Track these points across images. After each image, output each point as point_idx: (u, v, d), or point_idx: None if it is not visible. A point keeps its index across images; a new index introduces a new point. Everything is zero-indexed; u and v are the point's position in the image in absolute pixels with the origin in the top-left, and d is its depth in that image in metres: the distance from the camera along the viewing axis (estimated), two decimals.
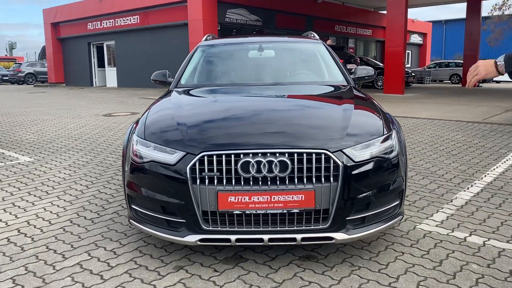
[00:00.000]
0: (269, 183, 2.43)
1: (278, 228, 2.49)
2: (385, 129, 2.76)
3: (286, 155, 2.45)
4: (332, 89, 3.63)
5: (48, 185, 4.48)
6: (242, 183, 2.42)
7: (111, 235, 3.16)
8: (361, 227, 2.59)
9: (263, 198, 2.42)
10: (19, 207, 3.81)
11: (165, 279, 2.51)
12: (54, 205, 3.86)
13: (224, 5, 18.73)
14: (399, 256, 2.76)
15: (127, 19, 21.26)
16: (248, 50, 4.28)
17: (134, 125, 3.03)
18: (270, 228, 2.49)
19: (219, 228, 2.49)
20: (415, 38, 35.06)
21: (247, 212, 2.44)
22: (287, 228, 2.49)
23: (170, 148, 2.58)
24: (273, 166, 2.41)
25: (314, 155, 2.45)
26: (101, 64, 24.83)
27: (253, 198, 2.42)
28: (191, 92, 3.63)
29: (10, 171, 5.11)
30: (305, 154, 2.45)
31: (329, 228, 2.50)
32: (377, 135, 2.68)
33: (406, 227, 3.24)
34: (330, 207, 2.47)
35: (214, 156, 2.45)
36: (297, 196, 2.43)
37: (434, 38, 43.22)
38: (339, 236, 2.52)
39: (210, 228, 2.49)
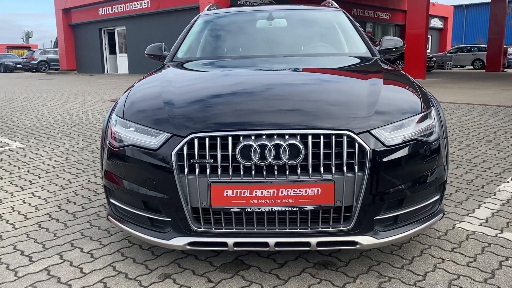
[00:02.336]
0: (276, 173, 1.89)
1: (288, 230, 1.96)
2: (422, 106, 2.19)
3: (298, 137, 1.90)
4: (355, 61, 3.05)
5: (34, 174, 4.02)
6: (242, 173, 1.90)
7: (92, 233, 2.68)
8: (393, 229, 2.05)
9: (268, 192, 1.89)
10: None
11: None
12: (35, 196, 3.40)
13: None
14: (439, 264, 2.22)
15: (137, 4, 20.75)
16: (256, 20, 3.70)
17: (115, 104, 2.51)
18: (277, 230, 1.96)
19: (213, 230, 1.98)
20: (436, 22, 33.83)
21: (248, 209, 1.91)
22: (299, 230, 1.96)
23: (154, 130, 2.05)
24: (281, 151, 1.87)
25: (334, 137, 1.91)
26: (112, 51, 24.44)
27: (256, 192, 1.89)
28: (186, 65, 3.08)
29: None
30: (322, 136, 1.90)
31: (352, 230, 1.96)
32: (412, 113, 2.12)
33: (444, 226, 2.69)
34: (354, 203, 1.93)
35: (207, 139, 1.92)
36: (311, 190, 1.89)
37: (455, 22, 41.77)
38: (365, 240, 1.97)
39: (202, 229, 1.98)
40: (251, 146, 1.88)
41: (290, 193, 1.89)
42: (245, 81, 2.59)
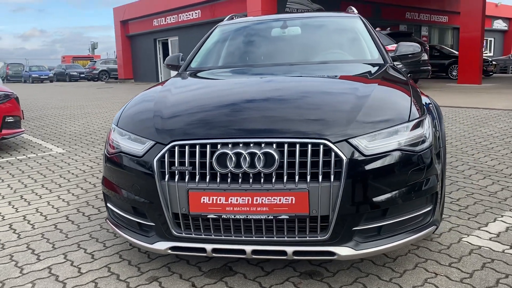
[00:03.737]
0: (251, 181, 1.91)
1: (265, 238, 1.97)
2: (412, 114, 2.12)
3: (274, 146, 1.91)
4: (360, 68, 3.00)
5: (65, 178, 4.28)
6: (219, 181, 1.93)
7: (100, 235, 2.82)
8: (375, 240, 2.00)
9: (243, 199, 1.92)
10: (25, 200, 3.62)
11: None
12: (60, 199, 3.62)
13: None
14: (430, 279, 2.13)
15: (189, 14, 21.39)
16: (271, 29, 3.74)
17: None
18: (254, 238, 1.97)
19: (193, 235, 2.03)
20: (499, 24, 32.06)
21: (224, 216, 1.94)
22: (275, 239, 1.96)
23: (142, 138, 2.15)
24: (255, 159, 1.89)
25: (310, 146, 1.90)
26: None
27: (231, 199, 1.92)
28: (192, 75, 3.17)
29: (37, 162, 5.01)
30: (298, 145, 1.90)
31: (329, 240, 1.94)
32: (398, 122, 2.06)
33: (449, 239, 2.56)
34: (331, 213, 1.90)
35: (187, 147, 1.98)
36: (286, 199, 1.89)
37: None
38: (343, 251, 1.94)
39: (183, 234, 2.03)
40: (227, 154, 1.92)
41: (265, 201, 1.90)
42: (235, 91, 2.62)
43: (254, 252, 1.98)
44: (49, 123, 8.51)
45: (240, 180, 1.92)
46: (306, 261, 2.33)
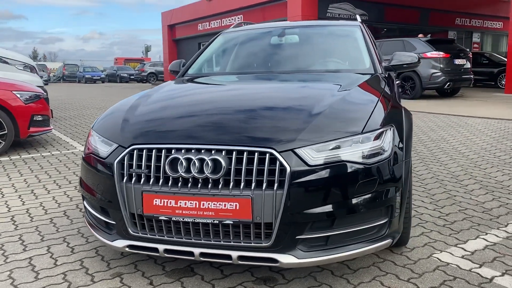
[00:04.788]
0: (199, 185, 1.99)
1: (212, 242, 2.04)
2: (368, 126, 2.11)
3: (223, 152, 1.99)
4: (343, 78, 2.99)
5: (77, 175, 4.53)
6: (170, 184, 2.03)
7: (86, 231, 2.98)
8: (320, 250, 2.01)
9: (191, 203, 2.00)
10: (34, 194, 3.87)
11: (91, 287, 2.23)
12: (65, 195, 3.85)
13: (326, 0, 18.07)
14: None
15: (231, 19, 21.75)
16: (271, 37, 3.79)
17: None
18: (202, 241, 2.05)
19: (148, 235, 2.13)
20: None
21: (174, 219, 2.03)
22: (221, 243, 2.03)
23: (110, 141, 2.28)
24: (204, 165, 1.97)
25: (257, 154, 1.95)
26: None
27: (180, 202, 2.01)
28: (183, 82, 3.29)
29: (58, 159, 5.33)
30: (246, 153, 1.96)
31: (272, 247, 1.98)
32: (351, 133, 2.06)
33: (419, 254, 2.52)
34: (274, 221, 1.94)
35: (145, 151, 2.09)
36: (230, 204, 1.95)
37: None
38: (285, 258, 1.97)
39: (139, 234, 2.14)
40: (178, 159, 2.00)
41: (211, 205, 1.97)
42: (200, 100, 2.71)
43: (202, 254, 2.05)
44: (83, 122, 8.96)
45: (189, 185, 2.00)
46: (266, 267, 2.37)
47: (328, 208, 1.97)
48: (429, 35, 14.41)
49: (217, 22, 23.18)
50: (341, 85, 2.66)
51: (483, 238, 2.73)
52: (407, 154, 2.28)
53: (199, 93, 2.95)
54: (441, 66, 12.08)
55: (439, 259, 2.45)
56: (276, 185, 1.92)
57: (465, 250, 2.57)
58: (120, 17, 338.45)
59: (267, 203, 1.93)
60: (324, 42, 3.65)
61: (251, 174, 1.95)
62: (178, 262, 2.46)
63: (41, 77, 27.90)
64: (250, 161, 1.96)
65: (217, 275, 2.31)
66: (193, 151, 2.02)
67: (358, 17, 4.09)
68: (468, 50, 14.88)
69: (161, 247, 2.10)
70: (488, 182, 3.98)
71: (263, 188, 1.92)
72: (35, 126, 5.75)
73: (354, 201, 2.00)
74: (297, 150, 1.97)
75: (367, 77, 2.96)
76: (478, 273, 2.28)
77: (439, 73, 12.09)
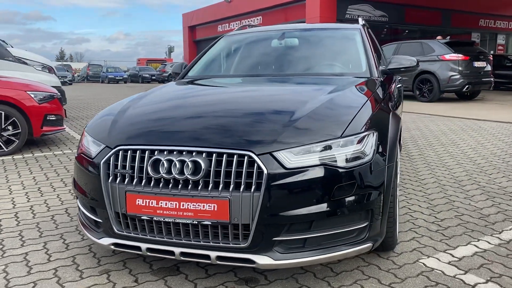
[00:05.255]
0: (180, 186, 2.04)
1: (192, 242, 2.08)
2: (348, 131, 2.13)
3: (204, 155, 2.03)
4: (334, 81, 2.99)
5: None
6: (152, 185, 2.08)
7: None
8: (299, 252, 2.04)
9: (171, 204, 2.05)
10: (40, 191, 4.00)
11: (79, 283, 2.30)
12: (70, 193, 3.96)
13: (344, 2, 17.97)
14: None
15: (251, 20, 21.84)
16: (271, 40, 3.83)
17: None
18: (183, 241, 2.10)
19: (131, 234, 2.19)
20: None
21: (155, 218, 2.09)
22: (201, 243, 2.07)
23: (99, 142, 2.36)
24: (184, 167, 2.02)
25: (236, 157, 1.99)
26: None
27: (161, 203, 2.06)
28: (179, 84, 3.36)
29: (69, 158, 5.47)
30: (225, 155, 2.01)
31: (249, 248, 2.01)
32: (330, 137, 2.08)
33: (406, 259, 2.51)
34: (251, 222, 1.98)
35: (129, 152, 2.16)
36: (209, 205, 2.00)
37: None
38: (262, 260, 2.01)
39: (124, 232, 2.20)
40: (160, 160, 2.06)
41: (190, 206, 2.02)
42: (187, 103, 2.77)
43: (182, 254, 2.10)
44: None
45: (170, 186, 2.05)
46: (250, 268, 2.40)
47: (305, 210, 1.99)
48: (448, 36, 14.16)
49: (236, 24, 23.30)
50: (330, 89, 2.67)
51: (474, 245, 2.69)
52: (391, 159, 2.28)
53: (187, 97, 3.00)
54: (460, 68, 11.86)
55: (424, 265, 2.44)
56: (253, 187, 1.96)
57: (453, 256, 2.54)
58: (145, 18, 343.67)
59: (244, 204, 1.96)
60: (322, 45, 3.66)
61: (230, 176, 1.99)
62: (166, 261, 2.52)
63: (65, 77, 28.37)
64: (229, 164, 2.00)
65: (201, 275, 2.36)
66: (175, 152, 2.07)
67: (360, 20, 4.07)
68: (489, 52, 14.58)
69: (143, 245, 2.15)
70: (491, 188, 3.91)
71: (241, 190, 1.96)
72: (48, 125, 5.92)
73: (331, 204, 2.02)
74: (275, 153, 1.99)
75: (360, 80, 2.96)
76: (461, 280, 2.26)
77: (458, 76, 11.88)
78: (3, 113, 5.52)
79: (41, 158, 5.44)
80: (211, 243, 2.05)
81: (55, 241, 2.86)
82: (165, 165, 2.04)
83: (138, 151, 2.14)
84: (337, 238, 2.09)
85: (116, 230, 2.20)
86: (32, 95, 5.76)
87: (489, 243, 2.72)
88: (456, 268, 2.39)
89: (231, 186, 1.97)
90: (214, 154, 2.02)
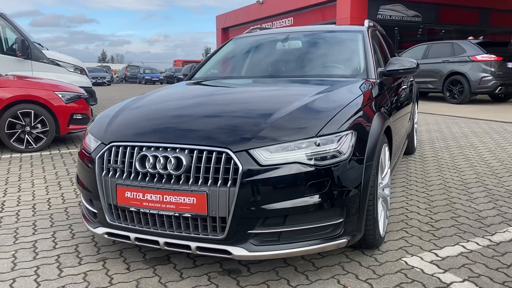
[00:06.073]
0: (163, 181, 2.19)
1: (175, 233, 2.23)
2: (324, 130, 2.22)
3: (186, 151, 2.18)
4: (328, 82, 3.07)
5: None
6: (139, 179, 2.25)
7: None
8: (272, 245, 2.15)
9: (155, 197, 2.20)
10: (59, 185, 4.26)
11: (76, 268, 2.49)
12: (75, 191, 4.18)
13: (376, 2, 17.77)
14: None
15: (282, 21, 21.96)
16: (275, 42, 3.94)
17: None
18: (167, 231, 2.25)
19: (122, 224, 2.36)
20: None
21: (142, 210, 2.25)
22: (183, 234, 2.22)
23: (96, 138, 2.55)
24: (167, 162, 2.17)
25: (215, 154, 2.13)
26: None
27: (147, 196, 2.22)
28: (181, 86, 3.53)
29: None
30: (205, 152, 2.15)
31: (226, 240, 2.14)
32: (306, 136, 2.18)
33: (389, 257, 2.56)
34: (228, 215, 2.10)
35: (121, 148, 2.33)
36: (189, 199, 2.14)
37: None
38: (237, 251, 2.13)
39: (115, 222, 2.38)
40: (146, 156, 2.22)
41: (172, 199, 2.17)
42: (178, 104, 2.94)
43: (166, 244, 2.25)
44: None
45: (155, 180, 2.21)
46: (236, 260, 2.52)
47: (279, 205, 2.10)
48: (481, 37, 13.76)
49: (268, 25, 23.46)
50: (319, 90, 2.76)
51: (462, 245, 2.71)
52: (370, 159, 2.34)
53: (179, 98, 3.15)
54: (492, 69, 11.52)
55: (406, 263, 2.48)
56: (230, 182, 2.08)
57: (437, 255, 2.58)
58: (183, 20, 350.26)
59: (221, 198, 2.09)
60: (324, 48, 3.73)
61: (209, 172, 2.12)
62: (159, 251, 2.68)
63: (104, 77, 29.32)
64: (209, 160, 2.14)
65: (189, 265, 2.50)
66: (160, 149, 2.23)
67: (366, 22, 4.11)
68: None
69: (132, 235, 2.32)
70: (497, 191, 3.86)
71: (218, 185, 2.09)
72: (75, 124, 6.25)
73: (304, 200, 2.11)
74: (251, 151, 2.11)
75: (354, 82, 3.03)
76: (438, 278, 2.30)
77: (490, 77, 11.54)
78: (32, 112, 5.88)
79: (66, 155, 5.76)
80: (192, 235, 2.19)
81: (63, 230, 3.09)
82: (151, 160, 2.20)
83: (128, 147, 2.31)
84: (311, 233, 2.18)
85: (109, 220, 2.38)
86: (60, 95, 6.10)
87: (478, 244, 2.73)
88: (436, 267, 2.43)
89: (210, 181, 2.11)
90: (195, 151, 2.17)
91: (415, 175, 4.48)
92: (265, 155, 2.11)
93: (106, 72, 38.93)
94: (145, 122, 2.53)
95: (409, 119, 4.90)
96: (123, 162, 2.31)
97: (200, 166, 2.14)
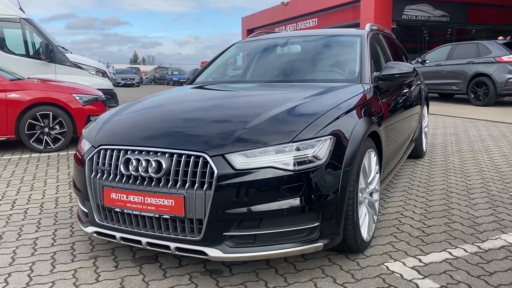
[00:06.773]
0: (145, 183, 2.29)
1: (156, 233, 2.32)
2: (301, 135, 2.26)
3: (166, 155, 2.27)
4: (318, 87, 3.10)
5: None
6: (124, 181, 2.35)
7: None
8: (248, 247, 2.21)
9: (137, 198, 2.30)
10: (56, 189, 4.42)
11: (68, 265, 2.62)
12: None
13: (401, 2, 17.50)
14: None
15: (306, 22, 21.93)
16: (276, 47, 3.99)
17: None
18: (148, 232, 2.34)
19: (109, 224, 2.47)
20: None
21: (126, 211, 2.35)
22: (163, 235, 2.31)
23: (88, 141, 2.67)
24: (149, 165, 2.27)
25: (193, 157, 2.21)
26: None
27: (130, 197, 2.32)
28: (180, 90, 3.64)
29: None
30: (184, 156, 2.23)
31: (202, 241, 2.21)
32: (281, 141, 2.23)
33: (371, 262, 2.58)
34: (204, 217, 2.18)
35: (108, 151, 2.45)
36: (167, 201, 2.23)
37: None
38: (213, 252, 2.21)
39: (103, 222, 2.49)
40: (129, 159, 2.33)
41: (153, 201, 2.26)
42: (167, 108, 3.04)
43: (148, 243, 2.35)
44: None
45: (137, 182, 2.31)
46: (220, 261, 2.59)
47: (253, 209, 2.16)
48: (509, 37, 13.35)
49: (292, 26, 23.48)
50: (305, 96, 2.80)
51: (448, 252, 2.69)
52: (349, 164, 2.36)
53: (169, 103, 3.24)
54: None
55: (387, 268, 2.50)
56: (206, 186, 2.16)
57: (420, 261, 2.57)
58: (214, 21, 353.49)
59: (198, 201, 2.17)
60: (321, 52, 3.75)
61: (187, 175, 2.20)
62: (148, 250, 2.78)
63: (133, 79, 29.95)
64: (187, 164, 2.22)
65: (174, 265, 2.59)
66: (143, 153, 2.33)
67: (367, 25, 4.10)
68: None
69: (118, 235, 2.43)
70: (500, 197, 3.79)
71: (195, 188, 2.17)
72: None
73: (278, 204, 2.17)
74: (226, 155, 2.18)
75: (345, 86, 3.05)
76: (416, 284, 2.30)
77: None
78: (51, 113, 6.13)
79: (69, 157, 5.95)
80: (171, 235, 2.28)
81: (64, 229, 3.23)
82: (134, 163, 2.30)
83: (115, 151, 2.42)
84: (286, 236, 2.23)
85: (97, 220, 2.50)
86: (77, 98, 6.33)
87: (466, 251, 2.71)
88: (417, 272, 2.43)
89: (187, 184, 2.19)
90: (174, 155, 2.25)
91: (419, 179, 4.43)
92: (241, 160, 2.18)
93: (136, 73, 39.77)
94: (132, 127, 2.64)
95: (418, 122, 4.85)
96: (110, 165, 2.42)
97: (179, 170, 2.22)
